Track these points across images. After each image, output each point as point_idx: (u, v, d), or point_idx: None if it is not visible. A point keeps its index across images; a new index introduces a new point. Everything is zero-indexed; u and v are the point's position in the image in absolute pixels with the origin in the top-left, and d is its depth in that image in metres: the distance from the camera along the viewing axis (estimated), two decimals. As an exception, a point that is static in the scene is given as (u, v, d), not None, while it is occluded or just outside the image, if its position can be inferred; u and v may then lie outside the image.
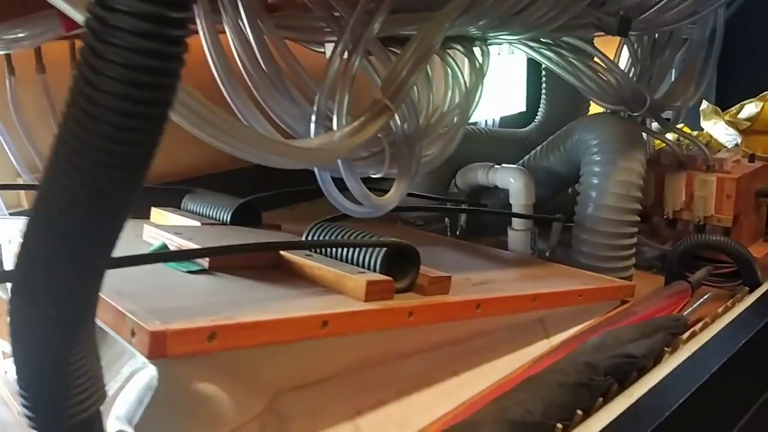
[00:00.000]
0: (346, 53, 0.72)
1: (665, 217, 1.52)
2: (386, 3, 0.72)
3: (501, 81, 2.21)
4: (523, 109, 2.30)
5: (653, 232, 1.59)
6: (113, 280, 0.44)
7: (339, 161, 0.69)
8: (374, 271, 0.80)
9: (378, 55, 0.75)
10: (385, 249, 0.80)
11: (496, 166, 1.48)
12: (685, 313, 1.13)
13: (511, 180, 1.43)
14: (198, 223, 1.06)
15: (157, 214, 1.15)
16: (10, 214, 1.16)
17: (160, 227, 0.94)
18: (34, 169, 1.24)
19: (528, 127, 1.86)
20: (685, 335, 1.01)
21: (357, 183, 0.71)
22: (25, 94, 1.23)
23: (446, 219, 1.63)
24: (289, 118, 0.74)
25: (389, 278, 0.78)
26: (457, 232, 1.56)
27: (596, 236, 1.27)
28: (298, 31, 0.77)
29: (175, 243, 0.88)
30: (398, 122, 0.81)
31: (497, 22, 0.85)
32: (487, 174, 1.49)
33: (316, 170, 0.72)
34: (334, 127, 0.69)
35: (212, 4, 0.68)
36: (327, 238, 0.87)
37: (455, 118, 0.94)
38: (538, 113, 1.86)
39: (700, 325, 1.05)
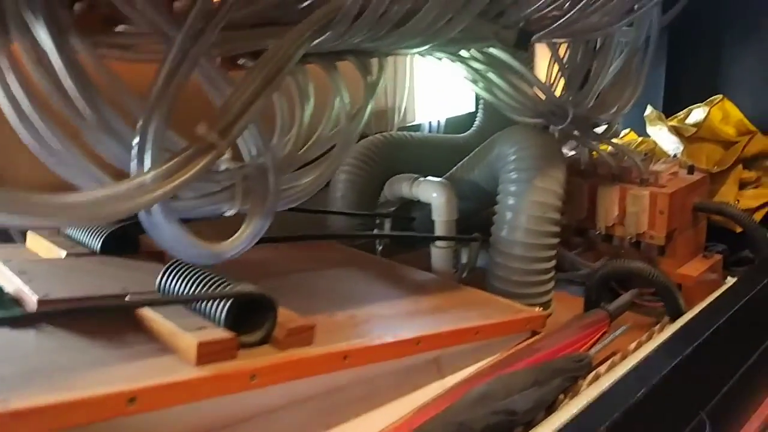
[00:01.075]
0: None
1: (598, 232, 1.44)
2: (219, 17, 0.61)
3: (447, 79, 2.10)
4: (473, 109, 2.20)
5: (590, 246, 1.51)
6: None
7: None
8: (220, 324, 0.71)
9: (212, 78, 0.65)
10: (230, 300, 0.70)
11: (420, 178, 1.39)
12: (597, 348, 1.05)
13: (433, 194, 1.35)
14: (64, 253, 0.96)
15: (34, 239, 1.04)
16: None
17: (7, 264, 0.84)
18: None
19: (466, 133, 1.77)
20: (589, 377, 0.93)
21: (177, 228, 0.61)
22: None
23: (374, 230, 1.53)
24: (116, 153, 0.63)
25: (230, 335, 0.69)
26: (380, 247, 1.47)
27: (510, 260, 1.19)
28: (122, 50, 0.66)
29: (13, 285, 0.78)
30: (252, 153, 0.71)
31: (371, 37, 0.75)
32: (411, 187, 1.40)
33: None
34: (146, 165, 0.59)
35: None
36: (181, 279, 0.78)
37: (338, 141, 0.84)
38: (477, 117, 1.77)
39: (606, 365, 0.97)
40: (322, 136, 0.84)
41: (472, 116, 2.09)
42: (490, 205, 1.39)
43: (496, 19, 0.93)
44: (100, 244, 0.97)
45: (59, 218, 0.50)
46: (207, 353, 0.66)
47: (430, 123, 2.09)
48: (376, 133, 1.58)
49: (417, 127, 2.02)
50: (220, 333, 0.69)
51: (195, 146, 0.60)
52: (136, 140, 0.60)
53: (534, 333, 1.07)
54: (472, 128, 1.77)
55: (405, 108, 1.96)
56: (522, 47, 0.90)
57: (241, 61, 0.82)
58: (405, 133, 1.61)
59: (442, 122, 2.12)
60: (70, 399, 0.55)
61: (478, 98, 1.89)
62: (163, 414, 0.63)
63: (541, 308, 1.12)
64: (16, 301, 0.76)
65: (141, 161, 0.59)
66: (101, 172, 0.60)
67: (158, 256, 0.99)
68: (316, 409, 0.80)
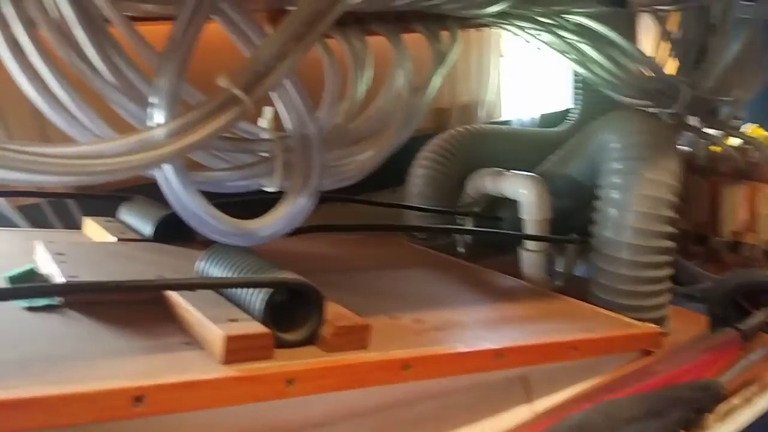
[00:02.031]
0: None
1: (722, 239, 1.23)
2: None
3: (543, 73, 1.94)
4: (570, 105, 2.02)
5: (712, 256, 1.29)
6: None
7: (170, 171, 0.50)
8: (257, 317, 0.61)
9: (239, 27, 0.55)
10: (269, 290, 0.60)
11: (506, 172, 1.24)
12: (728, 375, 0.85)
13: (521, 190, 1.19)
14: (114, 239, 0.91)
15: (89, 224, 1.01)
16: None
17: (48, 245, 0.79)
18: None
19: (561, 126, 1.60)
20: (719, 410, 0.75)
21: (197, 199, 0.52)
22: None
23: (455, 233, 1.40)
24: (134, 108, 0.55)
25: (265, 330, 0.58)
26: (461, 249, 1.33)
27: (615, 265, 1.01)
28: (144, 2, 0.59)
29: (48, 267, 0.73)
30: (295, 120, 0.60)
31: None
32: (496, 181, 1.25)
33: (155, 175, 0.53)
34: (159, 119, 0.50)
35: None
36: (221, 265, 0.69)
37: (399, 116, 0.72)
38: (572, 110, 1.59)
39: (741, 396, 0.78)
40: (380, 109, 0.73)
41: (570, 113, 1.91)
42: (589, 202, 1.21)
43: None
44: (151, 230, 0.91)
45: (52, 173, 0.42)
46: (236, 350, 0.56)
47: (521, 120, 1.94)
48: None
49: (505, 124, 1.87)
50: (254, 327, 0.58)
51: (215, 100, 0.50)
52: (151, 94, 0.52)
53: (646, 353, 0.90)
54: (569, 121, 1.60)
55: (491, 102, 1.82)
56: (619, 4, 0.75)
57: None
58: (489, 125, 1.47)
59: (536, 119, 1.96)
60: (59, 393, 0.46)
61: (575, 92, 1.71)
62: (178, 420, 0.54)
63: (654, 324, 0.93)
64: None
65: (153, 116, 0.51)
66: (110, 128, 0.52)
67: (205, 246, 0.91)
68: (372, 427, 0.68)
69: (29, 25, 0.52)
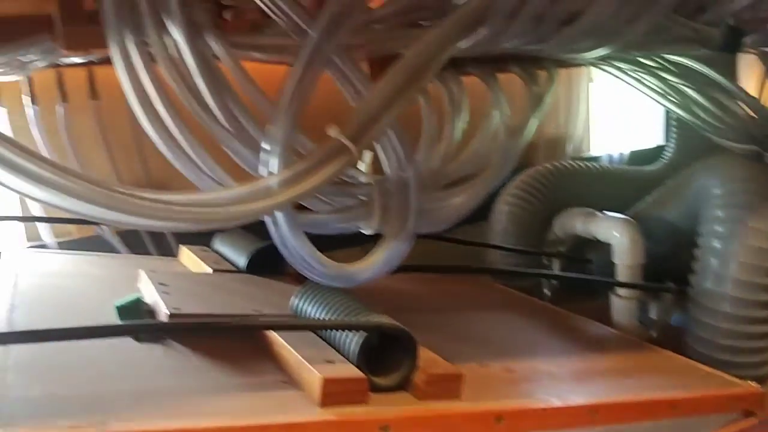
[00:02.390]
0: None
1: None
2: (357, 11, 0.53)
3: (631, 106, 1.88)
4: (661, 141, 1.94)
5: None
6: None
7: (279, 213, 0.52)
8: (351, 359, 0.61)
9: (348, 78, 0.57)
10: (364, 333, 0.61)
11: (598, 213, 1.21)
12: None
13: (614, 233, 1.15)
14: (210, 270, 0.94)
15: (186, 253, 1.05)
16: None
17: (151, 275, 0.83)
18: (84, 199, 1.21)
19: (654, 165, 1.54)
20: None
21: (303, 242, 0.53)
22: (79, 122, 1.20)
23: (542, 271, 1.36)
24: (247, 154, 0.58)
25: (361, 375, 0.59)
26: (548, 292, 1.30)
27: (715, 318, 0.95)
28: (257, 50, 0.61)
29: (152, 296, 0.77)
30: (393, 166, 0.61)
31: (535, 39, 0.63)
32: (587, 223, 1.22)
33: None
34: (273, 168, 0.52)
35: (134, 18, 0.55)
36: (315, 303, 0.70)
37: (496, 159, 0.72)
38: (668, 148, 1.53)
39: None
40: (477, 151, 0.73)
41: (661, 150, 1.84)
42: (687, 249, 1.16)
43: (696, 16, 0.75)
44: (245, 263, 0.94)
45: (172, 220, 0.45)
46: (333, 393, 0.56)
47: (610, 156, 1.88)
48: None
49: (594, 160, 1.82)
50: (351, 371, 0.59)
51: (324, 150, 0.52)
52: (265, 142, 0.54)
53: (747, 414, 0.84)
54: (662, 160, 1.54)
55: (580, 137, 1.78)
56: (731, 50, 0.72)
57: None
58: (579, 163, 1.43)
59: (625, 155, 1.89)
60: (173, 428, 0.48)
61: (668, 129, 1.65)
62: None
63: (757, 383, 0.87)
64: (151, 313, 0.74)
65: (267, 164, 0.52)
66: (226, 175, 0.54)
67: (303, 279, 0.93)
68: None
69: (154, 73, 0.55)
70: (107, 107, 1.20)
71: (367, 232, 0.63)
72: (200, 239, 1.07)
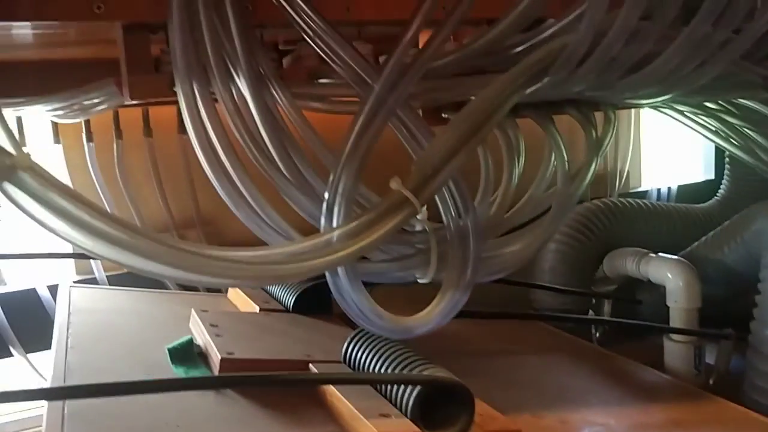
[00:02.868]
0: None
1: None
2: (418, 65, 0.53)
3: (680, 138, 1.83)
4: (711, 176, 1.89)
5: None
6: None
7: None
8: (406, 413, 0.60)
9: (409, 130, 0.56)
10: (419, 388, 0.59)
11: (651, 254, 1.17)
12: None
13: (668, 275, 1.12)
14: (257, 308, 0.94)
15: (233, 290, 1.06)
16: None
17: (201, 315, 0.83)
18: (135, 232, 1.23)
19: (707, 203, 1.49)
20: None
21: (362, 296, 0.53)
22: (132, 157, 1.23)
23: (589, 312, 1.33)
24: (307, 208, 0.58)
25: (417, 430, 0.57)
26: (597, 333, 1.26)
27: (779, 369, 0.91)
28: (317, 100, 0.62)
29: (204, 338, 0.77)
30: (451, 213, 0.60)
31: (598, 86, 0.61)
32: (639, 264, 1.19)
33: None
34: (334, 221, 0.51)
35: (200, 67, 0.56)
36: (367, 351, 0.69)
37: (554, 205, 0.71)
38: (721, 185, 1.49)
39: None
40: (535, 198, 0.71)
41: (711, 185, 1.79)
42: (745, 293, 1.11)
43: (763, 62, 0.73)
44: (292, 302, 0.94)
45: (234, 278, 0.45)
46: (387, 448, 0.55)
47: (658, 190, 1.84)
48: (593, 199, 1.40)
49: (642, 194, 1.78)
50: (406, 426, 0.58)
51: (387, 202, 0.51)
52: (328, 191, 0.54)
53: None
54: (715, 198, 1.50)
55: (627, 171, 1.75)
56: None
57: (445, 114, 0.74)
58: (629, 200, 1.40)
59: (674, 189, 1.85)
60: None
61: (721, 163, 1.61)
62: None
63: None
64: (203, 356, 0.74)
65: (330, 217, 0.52)
66: (288, 226, 0.54)
67: (350, 319, 0.93)
68: None
69: (219, 123, 0.56)
70: (159, 143, 1.23)
71: (423, 281, 0.62)
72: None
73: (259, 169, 0.57)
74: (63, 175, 1.18)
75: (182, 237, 1.25)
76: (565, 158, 0.74)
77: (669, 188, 1.83)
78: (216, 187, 0.56)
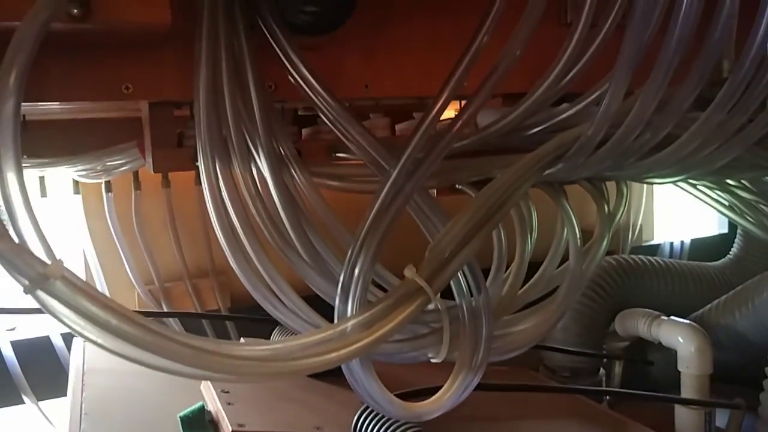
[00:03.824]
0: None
1: None
2: (438, 151, 0.55)
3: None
4: (725, 230, 1.89)
5: None
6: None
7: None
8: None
9: (424, 212, 0.58)
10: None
11: (663, 317, 1.17)
12: None
13: (679, 339, 1.11)
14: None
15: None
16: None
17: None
18: (149, 281, 1.25)
19: (720, 262, 1.49)
20: None
21: (374, 383, 0.53)
22: (149, 207, 1.25)
23: (600, 371, 1.32)
24: (323, 287, 0.59)
25: None
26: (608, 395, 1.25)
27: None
28: (334, 179, 0.63)
29: (215, 405, 0.77)
30: (463, 291, 0.61)
31: (612, 168, 0.63)
32: (650, 326, 1.18)
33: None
34: (349, 307, 0.52)
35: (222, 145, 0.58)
36: (377, 425, 0.69)
37: (566, 282, 0.71)
38: (735, 244, 1.48)
39: None
40: (547, 276, 0.72)
41: (724, 239, 1.79)
42: (757, 361, 1.11)
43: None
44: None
45: (250, 374, 0.46)
46: None
47: (671, 244, 1.83)
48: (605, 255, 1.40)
49: (655, 248, 1.77)
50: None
51: (401, 291, 0.52)
52: (342, 274, 0.55)
53: None
54: (728, 256, 1.49)
55: (640, 225, 1.75)
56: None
57: (458, 185, 0.75)
58: (642, 258, 1.39)
59: (686, 243, 1.85)
60: None
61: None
62: None
63: None
64: (214, 424, 0.74)
65: (345, 299, 0.53)
66: (308, 308, 0.55)
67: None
68: None
69: (239, 202, 0.58)
70: (177, 193, 1.25)
71: (436, 360, 0.63)
72: (262, 330, 1.08)
73: (275, 248, 0.58)
74: (81, 224, 1.21)
75: (195, 286, 1.27)
76: (578, 234, 0.74)
77: (682, 242, 1.83)
78: (234, 267, 0.57)
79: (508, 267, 0.73)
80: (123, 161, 0.86)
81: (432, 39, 0.72)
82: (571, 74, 0.58)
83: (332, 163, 0.65)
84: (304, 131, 0.77)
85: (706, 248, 1.81)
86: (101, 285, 1.22)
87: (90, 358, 0.94)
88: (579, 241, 0.74)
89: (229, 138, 0.60)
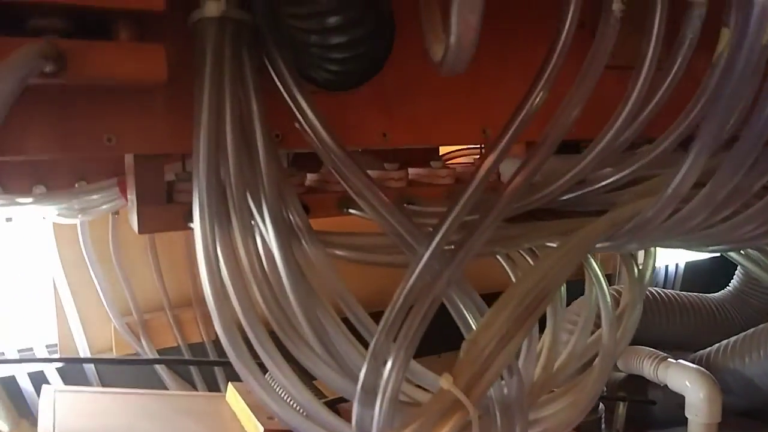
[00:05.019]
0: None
1: None
2: (488, 222, 0.48)
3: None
4: (717, 253, 1.86)
5: None
6: None
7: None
8: None
9: (465, 298, 0.50)
10: None
11: (670, 360, 1.12)
12: None
13: (687, 384, 1.07)
14: (261, 429, 0.87)
15: (233, 393, 0.98)
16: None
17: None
18: (126, 312, 1.15)
19: (720, 294, 1.45)
20: None
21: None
22: (127, 231, 1.15)
23: (600, 406, 1.27)
24: (344, 385, 0.51)
25: None
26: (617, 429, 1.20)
27: None
28: (353, 250, 0.55)
29: None
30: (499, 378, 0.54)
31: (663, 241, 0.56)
32: (656, 368, 1.13)
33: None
34: (375, 420, 0.45)
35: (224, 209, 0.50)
36: None
37: (599, 358, 0.65)
38: (734, 277, 1.44)
39: None
40: (578, 350, 0.65)
41: (717, 263, 1.76)
42: (765, 407, 1.07)
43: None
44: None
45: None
46: None
47: (666, 267, 1.80)
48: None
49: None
50: None
51: (437, 405, 0.45)
52: (363, 371, 0.48)
53: None
54: (728, 288, 1.45)
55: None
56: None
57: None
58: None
59: (681, 266, 1.81)
60: None
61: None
62: None
63: None
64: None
65: (366, 403, 0.46)
66: (330, 414, 0.48)
67: None
68: None
69: (242, 283, 0.50)
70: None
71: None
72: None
73: (283, 340, 0.50)
74: (51, 250, 1.10)
75: (177, 317, 1.18)
76: (608, 298, 0.68)
77: (677, 265, 1.79)
78: (233, 361, 0.49)
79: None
80: (101, 200, 0.77)
81: (450, 87, 0.67)
82: (636, 123, 0.51)
83: (350, 234, 0.56)
84: (309, 178, 0.69)
85: (699, 272, 1.79)
86: (74, 318, 1.12)
87: (62, 412, 0.85)
88: (610, 306, 0.68)
89: (231, 200, 0.52)
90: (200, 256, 0.50)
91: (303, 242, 0.53)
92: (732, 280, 1.45)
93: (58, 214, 0.80)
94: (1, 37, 0.38)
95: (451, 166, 0.76)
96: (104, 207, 0.80)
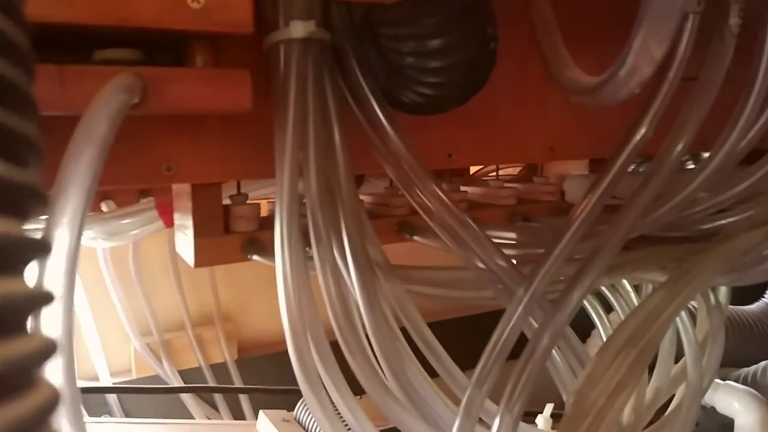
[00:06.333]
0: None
1: None
2: (593, 269, 0.43)
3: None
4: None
5: None
6: None
7: None
8: None
9: (566, 347, 0.45)
10: None
11: (717, 380, 1.08)
12: None
13: (735, 405, 1.02)
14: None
15: (264, 420, 0.93)
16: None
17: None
18: (146, 332, 1.10)
19: (756, 306, 1.41)
20: None
21: None
22: (148, 247, 1.10)
23: None
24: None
25: None
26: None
27: None
28: (431, 285, 0.50)
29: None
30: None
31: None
32: (701, 387, 1.09)
33: None
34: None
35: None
36: None
37: (685, 396, 0.60)
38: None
39: None
40: (662, 388, 0.61)
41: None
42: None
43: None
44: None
45: None
46: None
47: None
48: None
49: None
50: None
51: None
52: (456, 429, 0.43)
53: None
54: (763, 300, 1.41)
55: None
56: None
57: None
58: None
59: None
60: None
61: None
62: None
63: None
64: None
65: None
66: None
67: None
68: None
69: (320, 323, 0.45)
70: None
71: None
72: (283, 401, 0.95)
73: (367, 388, 0.45)
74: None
75: (199, 336, 1.13)
76: (691, 328, 0.64)
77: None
78: (312, 408, 0.44)
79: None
80: (132, 226, 0.71)
81: (518, 106, 0.62)
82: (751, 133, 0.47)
83: (427, 268, 0.51)
84: (366, 198, 0.64)
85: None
86: (93, 338, 1.06)
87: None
88: (693, 333, 0.64)
89: (312, 235, 0.46)
90: (281, 295, 0.45)
91: (381, 278, 0.48)
92: (766, 291, 1.41)
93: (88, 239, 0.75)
94: (83, 66, 0.33)
95: (509, 186, 0.71)
96: (134, 232, 0.74)
